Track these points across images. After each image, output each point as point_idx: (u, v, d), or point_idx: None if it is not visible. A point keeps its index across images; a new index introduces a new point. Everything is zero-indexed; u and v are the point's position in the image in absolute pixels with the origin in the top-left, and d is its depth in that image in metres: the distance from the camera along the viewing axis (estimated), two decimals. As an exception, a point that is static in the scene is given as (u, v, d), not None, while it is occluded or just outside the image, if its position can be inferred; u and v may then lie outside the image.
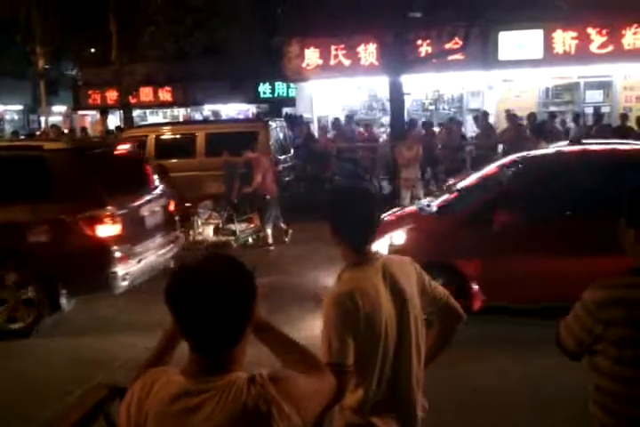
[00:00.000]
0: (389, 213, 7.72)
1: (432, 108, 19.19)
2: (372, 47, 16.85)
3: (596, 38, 15.77)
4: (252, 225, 10.83)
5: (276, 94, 23.70)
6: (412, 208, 7.76)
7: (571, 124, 15.85)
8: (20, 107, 28.04)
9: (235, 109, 25.01)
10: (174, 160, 12.87)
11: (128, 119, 18.91)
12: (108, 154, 7.71)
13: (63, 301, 6.73)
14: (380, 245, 5.96)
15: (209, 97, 23.83)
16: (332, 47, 17.55)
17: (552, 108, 17.26)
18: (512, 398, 5.00)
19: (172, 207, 8.34)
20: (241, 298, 1.73)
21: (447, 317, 2.66)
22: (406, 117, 15.16)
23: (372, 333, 2.33)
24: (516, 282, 6.28)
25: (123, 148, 8.31)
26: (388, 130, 16.09)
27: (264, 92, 23.76)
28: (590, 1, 14.08)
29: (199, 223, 10.44)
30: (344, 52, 17.42)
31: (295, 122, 17.56)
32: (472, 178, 7.81)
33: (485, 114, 15.45)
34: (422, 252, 6.11)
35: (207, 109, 25.13)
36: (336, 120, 16.95)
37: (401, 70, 14.02)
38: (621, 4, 14.12)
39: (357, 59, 17.49)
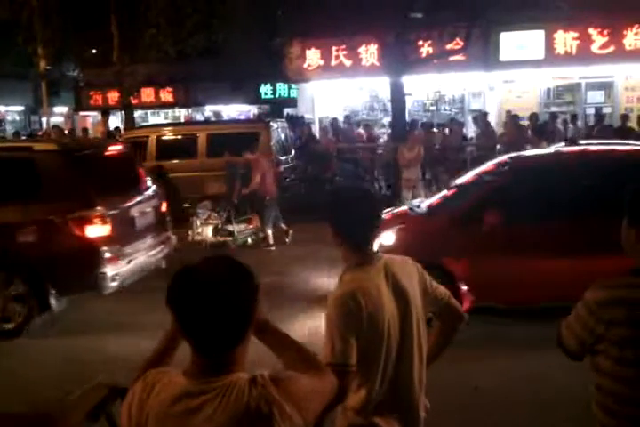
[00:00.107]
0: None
1: (433, 108, 19.18)
2: (374, 48, 16.85)
3: (598, 39, 15.76)
4: (251, 226, 10.83)
5: (277, 95, 23.72)
6: (403, 208, 7.78)
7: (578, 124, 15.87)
8: (21, 108, 28.08)
9: (236, 110, 25.03)
10: (176, 161, 12.91)
11: (129, 120, 18.91)
12: (99, 155, 7.73)
13: (52, 301, 6.74)
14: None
15: (210, 98, 23.85)
16: (334, 48, 17.55)
17: (553, 109, 17.25)
18: (513, 398, 5.00)
19: (164, 208, 8.35)
20: (242, 299, 1.73)
21: (448, 317, 2.66)
22: (407, 118, 15.16)
23: (375, 333, 2.33)
24: (503, 283, 6.31)
25: (114, 149, 8.34)
26: (389, 130, 16.09)
27: (265, 93, 23.78)
28: (591, 1, 14.07)
29: (198, 224, 10.44)
30: (345, 52, 17.43)
31: (296, 123, 17.57)
32: (463, 178, 7.83)
33: (484, 114, 15.45)
34: (411, 252, 6.11)
35: (208, 110, 25.14)
36: (334, 121, 16.95)
37: (402, 71, 14.01)
38: (622, 4, 14.12)
39: (358, 59, 17.49)
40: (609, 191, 6.15)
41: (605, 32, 15.57)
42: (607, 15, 14.73)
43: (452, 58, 15.10)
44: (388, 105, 16.25)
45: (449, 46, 14.61)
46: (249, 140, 11.36)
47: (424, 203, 7.64)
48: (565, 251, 6.12)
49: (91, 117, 27.06)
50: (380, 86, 17.36)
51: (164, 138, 13.47)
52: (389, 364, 2.39)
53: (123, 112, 19.81)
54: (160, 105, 24.63)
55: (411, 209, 7.44)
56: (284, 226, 10.67)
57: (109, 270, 6.76)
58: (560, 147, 7.84)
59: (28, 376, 5.66)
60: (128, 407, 1.78)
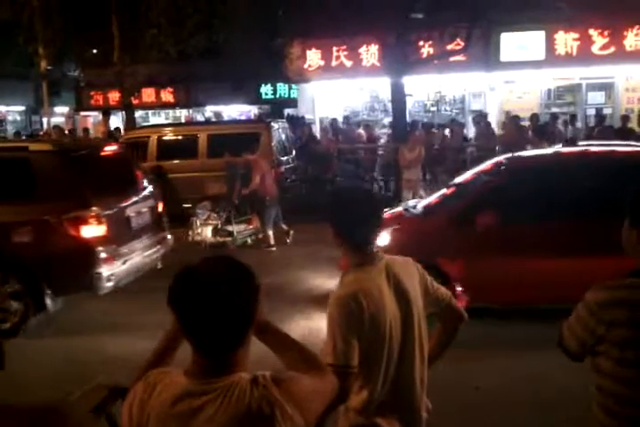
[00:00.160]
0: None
1: (434, 109, 19.19)
2: (374, 48, 16.85)
3: (598, 40, 15.77)
4: (250, 226, 10.83)
5: (277, 95, 23.71)
6: (399, 209, 7.78)
7: (577, 124, 15.87)
8: (22, 108, 28.09)
9: (237, 110, 25.03)
10: (176, 161, 12.91)
11: (130, 120, 18.92)
12: (95, 155, 7.73)
13: (48, 301, 6.74)
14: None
15: (211, 98, 23.85)
16: (334, 48, 17.56)
17: (554, 110, 17.25)
18: (513, 398, 5.01)
19: (160, 208, 8.35)
20: (243, 299, 1.73)
21: (450, 317, 2.67)
22: (408, 119, 15.16)
23: (377, 334, 2.33)
24: (498, 284, 6.31)
25: (110, 149, 8.34)
26: (389, 131, 16.09)
27: (266, 94, 23.78)
28: (592, 2, 14.07)
29: (198, 224, 10.44)
30: (346, 53, 17.43)
31: (297, 123, 17.56)
32: (458, 179, 7.83)
33: (483, 115, 15.46)
34: (405, 253, 6.11)
35: (209, 110, 25.14)
36: (333, 121, 16.95)
37: (403, 71, 14.02)
38: (623, 5, 14.11)
39: (359, 60, 17.49)
40: (604, 192, 6.19)
41: (606, 33, 15.58)
42: (608, 16, 14.73)
43: (452, 58, 15.10)
44: (389, 105, 16.26)
45: (450, 47, 14.63)
46: (250, 141, 11.36)
47: (419, 203, 7.63)
48: (560, 252, 6.12)
49: (91, 118, 27.07)
50: (381, 87, 17.36)
51: (164, 138, 13.46)
52: (391, 364, 2.39)
53: (123, 112, 19.83)
54: (161, 105, 24.64)
55: (406, 210, 7.43)
56: (284, 226, 10.67)
57: (105, 271, 6.76)
58: (558, 148, 7.85)
59: (25, 376, 5.65)
60: (129, 408, 1.78)
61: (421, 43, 15.13)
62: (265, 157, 11.16)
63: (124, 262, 7.08)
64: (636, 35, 15.59)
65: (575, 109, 17.45)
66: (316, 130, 17.59)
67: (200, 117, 24.91)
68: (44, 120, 23.04)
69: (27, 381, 5.57)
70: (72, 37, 18.15)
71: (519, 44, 16.42)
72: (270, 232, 10.37)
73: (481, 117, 15.19)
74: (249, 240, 10.73)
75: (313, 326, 6.54)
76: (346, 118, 17.43)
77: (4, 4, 17.11)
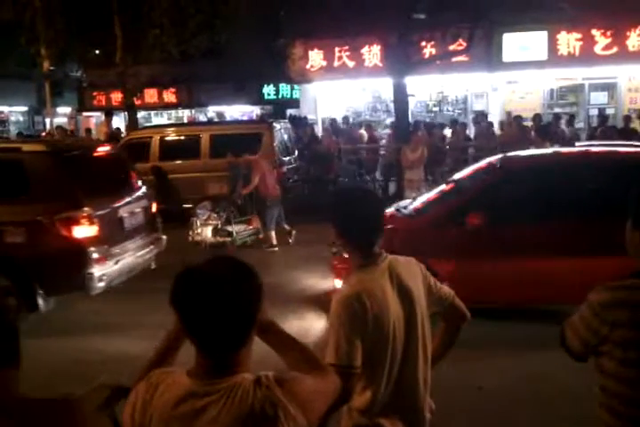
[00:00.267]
0: None
1: (436, 109, 19.20)
2: (376, 49, 16.87)
3: (601, 40, 15.76)
4: (250, 227, 10.83)
5: (280, 96, 23.70)
6: (391, 210, 7.77)
7: (580, 125, 15.87)
8: (24, 108, 28.11)
9: (239, 111, 25.02)
10: (179, 161, 12.92)
11: (133, 121, 18.92)
12: (88, 156, 7.73)
13: (40, 301, 6.74)
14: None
15: (213, 98, 23.84)
16: (336, 49, 17.58)
17: (557, 110, 17.26)
18: (513, 397, 5.01)
19: (154, 209, 8.35)
20: (246, 299, 1.73)
21: (452, 317, 2.67)
22: (410, 119, 15.16)
23: (381, 334, 2.33)
24: (490, 284, 6.29)
25: (103, 149, 8.34)
26: (390, 131, 16.11)
27: (268, 94, 23.76)
28: (594, 3, 14.07)
29: (198, 224, 10.45)
30: (348, 53, 17.45)
31: (299, 123, 17.56)
32: (452, 179, 7.82)
33: (483, 115, 15.45)
34: (397, 252, 6.08)
35: (211, 111, 25.14)
36: (333, 121, 16.94)
37: (405, 72, 14.02)
38: (625, 5, 14.11)
39: (361, 60, 17.51)
40: (600, 193, 6.18)
41: (608, 33, 15.58)
42: (610, 16, 14.74)
43: (454, 59, 15.12)
44: (391, 106, 16.28)
45: (452, 47, 14.64)
46: (252, 141, 11.36)
47: (412, 204, 7.59)
48: (551, 252, 6.08)
49: (94, 118, 27.08)
50: (383, 87, 17.37)
51: (167, 139, 13.47)
52: (394, 365, 2.39)
53: (126, 113, 19.81)
54: (163, 106, 24.63)
55: (397, 210, 7.41)
56: (287, 227, 10.67)
57: (97, 271, 6.76)
58: (553, 148, 7.85)
59: (22, 376, 5.64)
60: (131, 408, 1.78)
61: (424, 43, 15.13)
62: (267, 158, 11.16)
63: (117, 263, 7.08)
64: (639, 35, 15.57)
65: (578, 110, 17.45)
66: (319, 130, 17.59)
67: (202, 118, 24.91)
68: (47, 120, 23.07)
69: (25, 381, 5.55)
70: (74, 38, 18.15)
71: (521, 44, 16.42)
72: (272, 232, 10.37)
73: (482, 117, 15.19)
74: (249, 240, 10.73)
75: (313, 327, 6.54)
76: (345, 119, 17.42)
77: (6, 5, 17.13)
